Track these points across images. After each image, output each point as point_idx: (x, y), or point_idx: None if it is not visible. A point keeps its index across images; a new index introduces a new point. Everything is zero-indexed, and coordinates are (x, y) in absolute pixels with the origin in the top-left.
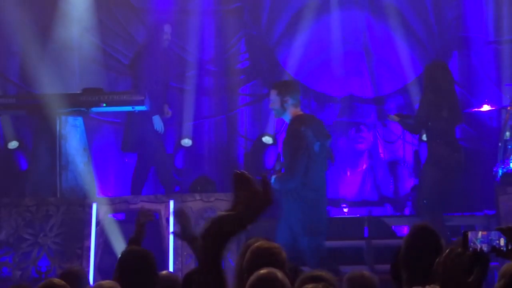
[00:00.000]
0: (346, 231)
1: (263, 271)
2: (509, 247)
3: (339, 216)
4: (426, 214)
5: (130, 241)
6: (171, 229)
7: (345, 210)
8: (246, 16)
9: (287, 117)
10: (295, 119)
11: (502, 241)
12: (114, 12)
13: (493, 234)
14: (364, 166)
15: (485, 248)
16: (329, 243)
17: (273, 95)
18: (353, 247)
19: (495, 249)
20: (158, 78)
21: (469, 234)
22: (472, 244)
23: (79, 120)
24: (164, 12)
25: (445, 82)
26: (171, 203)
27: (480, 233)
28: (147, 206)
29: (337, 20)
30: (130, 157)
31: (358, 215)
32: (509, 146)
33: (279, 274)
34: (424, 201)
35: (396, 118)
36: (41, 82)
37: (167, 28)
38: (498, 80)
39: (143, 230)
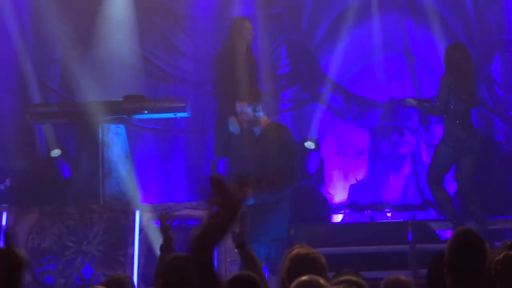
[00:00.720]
0: (390, 236)
1: (304, 277)
2: None
3: (383, 220)
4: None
5: (161, 248)
6: None
7: (389, 214)
8: (286, 21)
9: (258, 127)
10: (272, 126)
11: None
12: (154, 19)
13: None
14: (407, 170)
15: None
16: (372, 248)
17: (244, 107)
18: (397, 251)
19: None
20: (237, 76)
21: None
22: None
23: (121, 128)
24: (204, 18)
25: (465, 65)
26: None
27: None
28: (190, 212)
29: (377, 24)
30: (172, 163)
31: (401, 220)
32: None
33: (321, 280)
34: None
35: (413, 102)
36: (82, 90)
37: (248, 23)
38: None
39: (169, 234)
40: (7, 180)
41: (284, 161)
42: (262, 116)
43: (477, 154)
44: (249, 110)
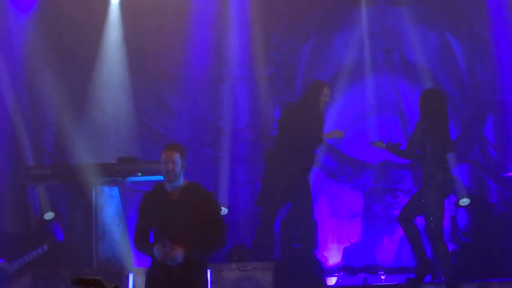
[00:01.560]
0: None
1: None
2: None
3: (377, 283)
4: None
5: None
6: None
7: (383, 277)
8: (280, 82)
9: (180, 181)
10: (194, 184)
11: None
12: (148, 80)
13: None
14: (401, 233)
15: None
16: None
17: (177, 158)
18: None
19: None
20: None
21: None
22: None
23: (115, 190)
24: (198, 80)
25: (439, 110)
26: (208, 272)
27: None
28: None
29: (371, 85)
30: None
31: (395, 282)
32: None
33: None
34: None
35: (381, 145)
36: (76, 152)
37: (326, 90)
38: None
39: None
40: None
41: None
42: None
43: (445, 195)
44: (180, 162)
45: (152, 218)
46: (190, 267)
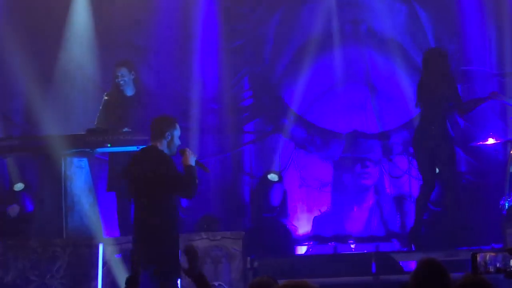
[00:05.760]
0: (354, 267)
1: None
2: None
3: (346, 252)
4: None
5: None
6: None
7: (352, 246)
8: (249, 53)
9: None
10: None
11: None
12: (116, 52)
13: (503, 256)
14: (371, 202)
15: (492, 269)
16: (337, 280)
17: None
18: (361, 283)
19: (502, 270)
20: None
21: (478, 256)
22: (479, 266)
23: (84, 161)
24: (166, 51)
25: (436, 68)
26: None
27: (488, 255)
28: None
29: (339, 56)
30: None
31: (365, 251)
32: None
33: None
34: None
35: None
36: (45, 123)
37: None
38: (502, 113)
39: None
40: None
41: None
42: None
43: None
44: None
45: None
46: None
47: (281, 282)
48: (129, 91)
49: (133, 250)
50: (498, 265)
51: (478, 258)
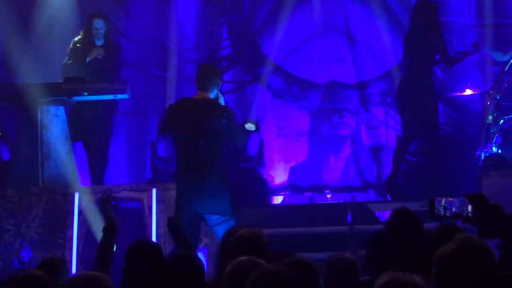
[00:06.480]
0: (330, 217)
1: (243, 258)
2: (476, 214)
3: (323, 202)
4: None
5: (104, 229)
6: (154, 217)
7: (328, 196)
8: (228, 2)
9: None
10: None
11: (470, 208)
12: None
13: (460, 201)
14: (347, 152)
15: (448, 214)
16: (312, 229)
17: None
18: (336, 232)
19: (458, 216)
20: None
21: (435, 201)
22: (436, 210)
23: (61, 110)
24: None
25: (420, 19)
26: (154, 191)
27: (444, 200)
28: (130, 194)
29: (318, 6)
30: (112, 146)
31: (341, 201)
32: (492, 130)
33: (259, 260)
34: None
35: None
36: (22, 72)
37: None
38: (481, 64)
39: (112, 215)
40: None
41: None
42: None
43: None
44: None
45: None
46: None
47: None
48: (99, 42)
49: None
50: (454, 209)
51: (435, 203)
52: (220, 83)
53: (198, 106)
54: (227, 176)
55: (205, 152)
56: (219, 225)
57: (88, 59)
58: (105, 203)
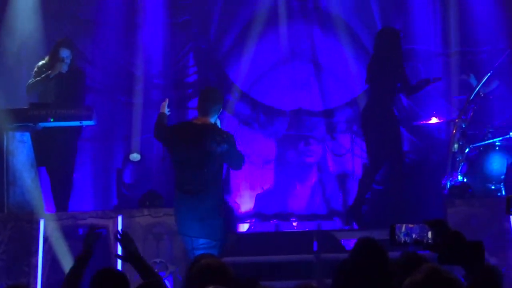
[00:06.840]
0: (295, 245)
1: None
2: (436, 240)
3: (289, 230)
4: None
5: (76, 259)
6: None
7: (294, 224)
8: (194, 29)
9: None
10: None
11: (430, 234)
12: (62, 26)
13: (420, 228)
14: (313, 180)
15: (408, 240)
16: (278, 258)
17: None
18: (302, 261)
19: (419, 242)
20: None
21: (395, 227)
22: (397, 237)
23: (27, 136)
24: (112, 25)
25: (382, 49)
26: (119, 218)
27: (404, 226)
28: (95, 221)
29: (285, 33)
30: (78, 172)
31: (307, 229)
32: (458, 159)
33: None
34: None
35: None
36: None
37: None
38: (446, 92)
39: (91, 250)
40: None
41: None
42: None
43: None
44: None
45: None
46: None
47: (225, 260)
48: (64, 68)
49: None
50: (414, 236)
51: (396, 229)
52: (221, 109)
53: (201, 131)
54: (223, 201)
55: (204, 177)
56: (202, 250)
57: (51, 75)
58: (90, 231)
